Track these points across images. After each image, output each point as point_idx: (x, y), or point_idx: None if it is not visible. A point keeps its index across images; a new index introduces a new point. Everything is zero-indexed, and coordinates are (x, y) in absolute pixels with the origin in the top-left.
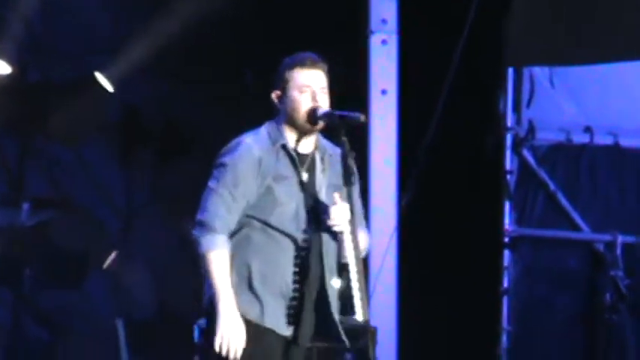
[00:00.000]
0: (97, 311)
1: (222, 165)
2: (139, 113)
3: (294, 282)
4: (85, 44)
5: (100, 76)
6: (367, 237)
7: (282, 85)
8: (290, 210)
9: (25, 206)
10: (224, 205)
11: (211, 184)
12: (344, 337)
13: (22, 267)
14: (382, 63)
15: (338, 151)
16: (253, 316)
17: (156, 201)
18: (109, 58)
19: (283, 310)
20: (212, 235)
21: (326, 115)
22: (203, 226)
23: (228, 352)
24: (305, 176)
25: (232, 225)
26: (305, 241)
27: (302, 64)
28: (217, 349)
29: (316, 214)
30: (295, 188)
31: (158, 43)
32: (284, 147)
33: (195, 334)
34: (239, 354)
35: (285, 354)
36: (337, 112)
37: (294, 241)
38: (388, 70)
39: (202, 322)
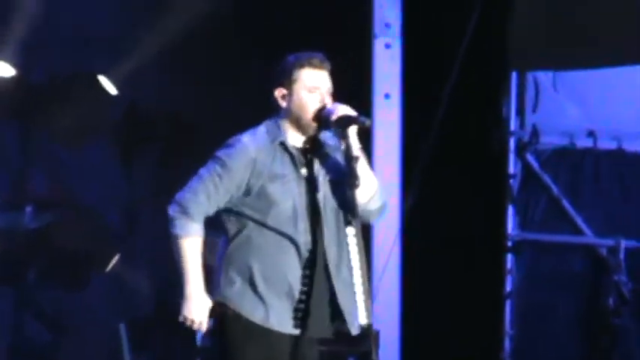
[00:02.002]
0: (99, 313)
1: (216, 157)
2: (142, 113)
3: (301, 283)
4: (88, 44)
5: (103, 79)
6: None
7: (289, 83)
8: (286, 209)
9: (29, 209)
10: (205, 192)
11: (201, 170)
12: (352, 324)
13: (26, 268)
14: (385, 67)
15: (336, 141)
16: (258, 318)
17: (159, 201)
18: (112, 57)
19: (289, 310)
20: (187, 220)
21: (335, 123)
22: (180, 207)
23: (192, 326)
24: (304, 171)
25: (210, 212)
26: (305, 238)
27: (311, 63)
28: (181, 320)
29: (316, 209)
30: (293, 185)
31: (161, 41)
32: (282, 144)
33: (198, 335)
34: (203, 328)
35: (293, 353)
36: (345, 115)
37: (293, 241)
38: (391, 74)
39: (209, 322)
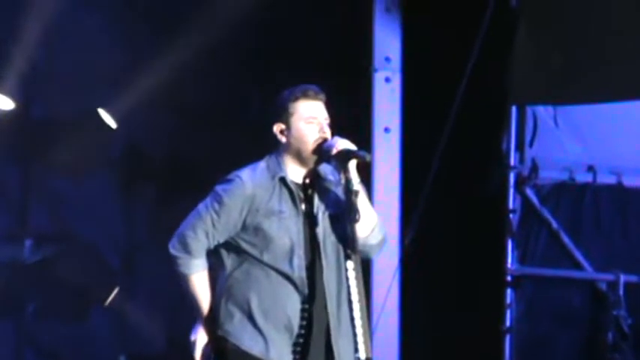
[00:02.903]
0: (99, 347)
1: (215, 193)
2: (142, 148)
3: (300, 317)
4: (88, 79)
5: (103, 113)
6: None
7: (286, 117)
8: (283, 245)
9: (28, 242)
10: (204, 230)
11: (200, 206)
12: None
13: (25, 302)
14: (385, 101)
15: (336, 175)
16: (257, 351)
17: (158, 236)
18: (112, 92)
19: (288, 344)
20: (189, 259)
21: (335, 156)
22: (181, 245)
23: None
24: (303, 207)
25: (210, 247)
26: (301, 274)
27: (305, 95)
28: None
29: (315, 244)
30: (291, 221)
31: (162, 77)
32: (282, 180)
33: None
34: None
35: None
36: (345, 149)
37: (288, 277)
38: (391, 108)
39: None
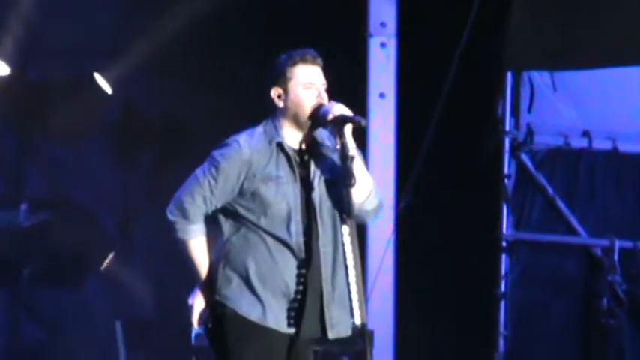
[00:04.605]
0: (94, 311)
1: (212, 158)
2: (139, 113)
3: (296, 282)
4: (84, 44)
5: (99, 77)
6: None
7: (284, 82)
8: (280, 211)
9: (24, 207)
10: (202, 195)
11: (198, 171)
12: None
13: (21, 267)
14: (381, 66)
15: (333, 141)
16: (255, 316)
17: (154, 201)
18: (108, 57)
19: (284, 309)
20: (187, 224)
21: (331, 122)
22: (179, 210)
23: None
24: (300, 172)
25: (208, 212)
26: (298, 240)
27: (304, 60)
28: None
29: (311, 209)
30: (288, 187)
31: (158, 42)
32: (280, 145)
33: (193, 335)
34: (195, 317)
35: (289, 352)
36: (341, 114)
37: (285, 242)
38: (387, 73)
39: (208, 320)
